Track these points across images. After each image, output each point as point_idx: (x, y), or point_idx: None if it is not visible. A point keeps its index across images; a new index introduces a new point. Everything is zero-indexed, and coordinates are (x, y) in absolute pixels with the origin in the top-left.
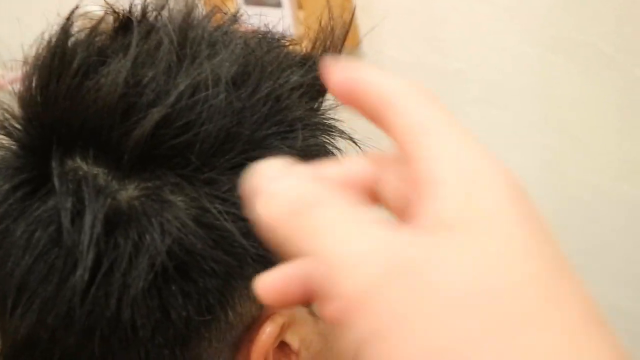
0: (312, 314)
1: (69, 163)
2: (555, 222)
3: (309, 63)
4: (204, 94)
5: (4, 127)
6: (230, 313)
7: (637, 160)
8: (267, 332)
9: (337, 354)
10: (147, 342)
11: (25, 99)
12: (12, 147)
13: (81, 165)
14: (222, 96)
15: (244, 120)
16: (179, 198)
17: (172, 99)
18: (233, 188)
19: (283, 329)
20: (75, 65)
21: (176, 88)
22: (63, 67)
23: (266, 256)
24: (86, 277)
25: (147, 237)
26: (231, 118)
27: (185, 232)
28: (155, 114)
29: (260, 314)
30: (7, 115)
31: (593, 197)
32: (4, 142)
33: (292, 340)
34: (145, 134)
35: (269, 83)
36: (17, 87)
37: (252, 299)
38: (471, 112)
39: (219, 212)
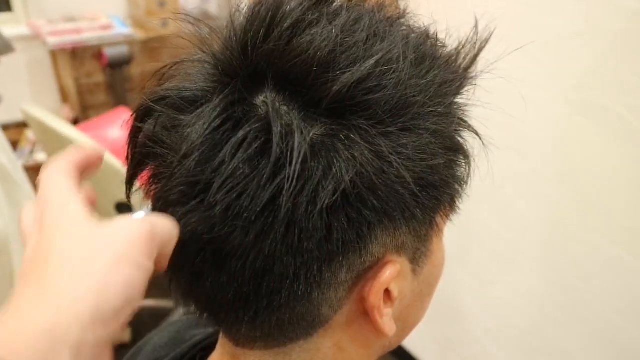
0: (414, 271)
1: (274, 96)
2: (547, 275)
3: (455, 64)
4: (394, 65)
5: (217, 57)
6: (368, 247)
7: (638, 229)
8: (388, 274)
9: (418, 315)
10: (306, 252)
11: (244, 40)
12: (219, 73)
13: (281, 100)
14: (407, 71)
15: (418, 94)
16: (363, 141)
17: (371, 62)
18: (403, 145)
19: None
20: (289, 20)
21: (372, 56)
22: (280, 20)
23: (414, 211)
24: (285, 185)
25: (336, 166)
26: (410, 90)
27: (365, 168)
28: (357, 72)
29: (381, 257)
30: (223, 48)
31: (586, 257)
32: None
33: (394, 289)
34: (347, 85)
35: (437, 71)
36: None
37: (384, 242)
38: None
39: (396, 160)
